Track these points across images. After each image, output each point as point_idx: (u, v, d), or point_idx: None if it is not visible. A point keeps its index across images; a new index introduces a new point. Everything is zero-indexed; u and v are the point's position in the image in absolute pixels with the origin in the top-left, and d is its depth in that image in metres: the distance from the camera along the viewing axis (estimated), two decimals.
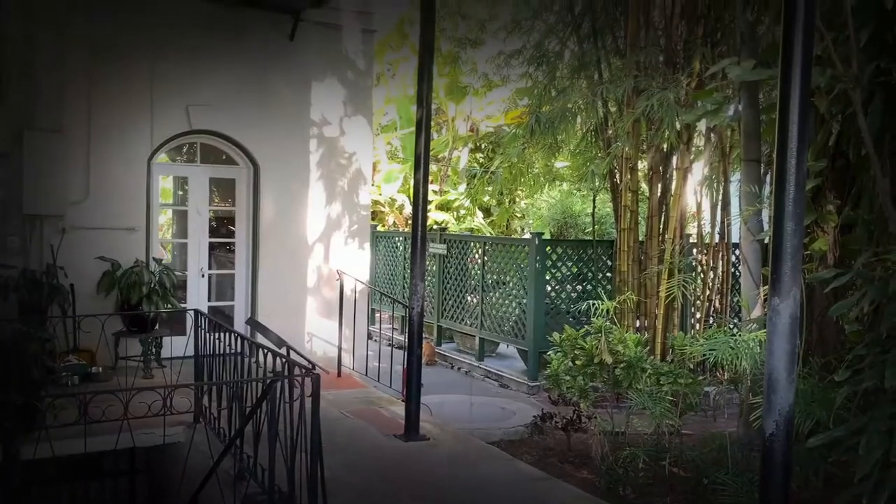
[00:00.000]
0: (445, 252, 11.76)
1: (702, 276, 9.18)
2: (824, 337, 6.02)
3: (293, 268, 8.78)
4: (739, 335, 5.37)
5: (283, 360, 4.20)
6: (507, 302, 10.47)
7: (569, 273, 10.06)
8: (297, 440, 3.95)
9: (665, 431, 6.19)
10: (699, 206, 9.51)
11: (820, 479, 5.13)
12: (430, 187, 16.96)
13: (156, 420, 4.35)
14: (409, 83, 16.40)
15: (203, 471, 4.70)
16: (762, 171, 7.29)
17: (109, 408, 4.19)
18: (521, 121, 10.38)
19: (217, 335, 5.54)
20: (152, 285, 7.43)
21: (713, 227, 9.04)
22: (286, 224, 8.73)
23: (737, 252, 9.57)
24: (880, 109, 4.65)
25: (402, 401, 6.26)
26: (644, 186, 9.74)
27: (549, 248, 10.06)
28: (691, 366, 6.45)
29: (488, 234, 15.72)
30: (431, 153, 16.24)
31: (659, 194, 9.22)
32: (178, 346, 7.36)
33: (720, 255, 9.05)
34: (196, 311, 6.12)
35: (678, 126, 8.06)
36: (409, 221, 6.09)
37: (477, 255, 11.15)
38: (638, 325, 9.08)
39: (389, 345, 9.82)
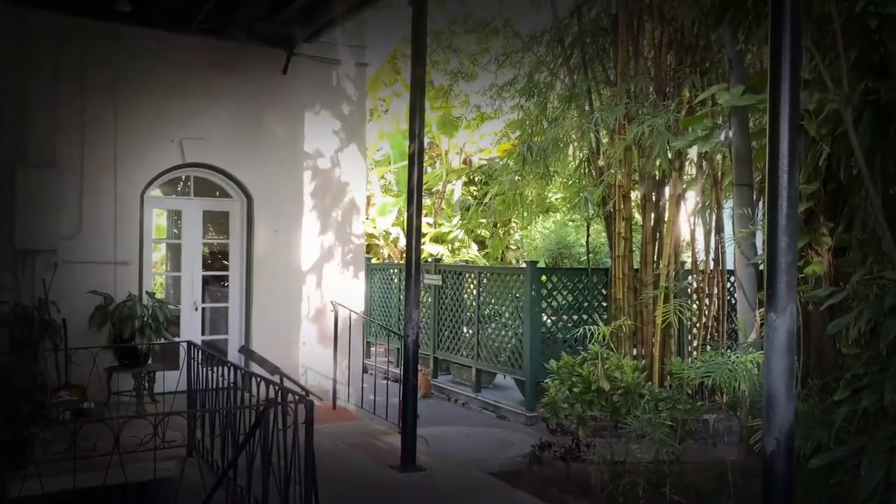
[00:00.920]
0: (440, 283, 11.72)
1: (697, 302, 9.16)
2: (822, 360, 5.97)
3: (287, 300, 8.74)
4: (737, 357, 5.33)
5: (277, 387, 4.14)
6: (503, 332, 10.41)
7: (564, 301, 10.03)
8: (291, 470, 3.88)
9: (665, 459, 6.10)
10: (693, 233, 9.53)
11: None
12: (425, 220, 16.99)
13: (147, 455, 4.28)
14: (402, 118, 16.53)
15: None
16: (754, 196, 7.33)
17: (100, 442, 4.13)
18: (514, 150, 10.43)
19: (210, 367, 5.49)
20: (145, 319, 7.38)
21: (707, 253, 9.05)
22: (280, 256, 8.71)
23: (732, 278, 9.57)
24: (870, 128, 4.67)
25: (399, 432, 6.18)
26: (637, 215, 9.77)
27: (544, 276, 10.04)
28: (689, 391, 6.39)
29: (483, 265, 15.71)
30: (425, 186, 16.38)
31: (652, 222, 9.24)
32: (171, 381, 7.25)
33: (715, 282, 9.04)
34: (189, 343, 6.07)
35: (669, 153, 8.11)
36: (404, 253, 6.07)
37: (472, 286, 11.12)
38: (635, 352, 9.03)
39: (385, 378, 9.75)
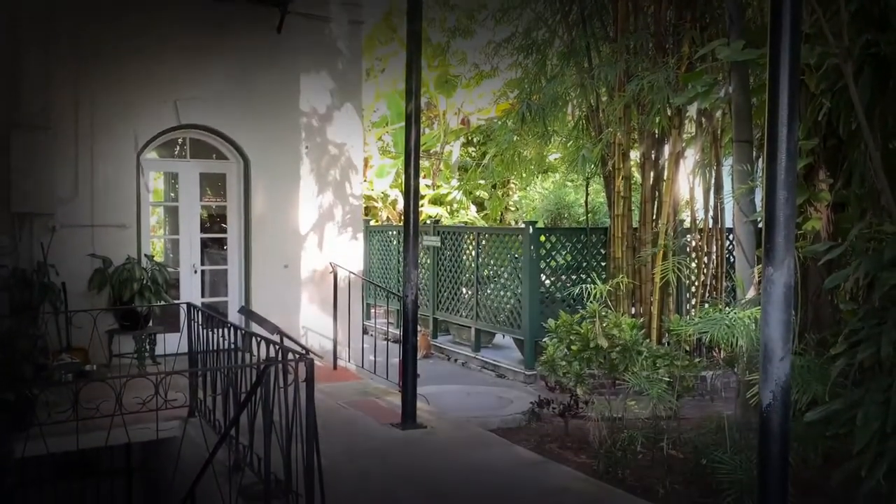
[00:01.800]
0: (439, 244, 11.73)
1: (696, 260, 9.17)
2: (819, 315, 6.01)
3: (286, 261, 8.74)
4: (735, 313, 5.35)
5: (277, 346, 4.16)
6: (501, 292, 10.44)
7: (563, 261, 10.05)
8: (293, 427, 3.91)
9: (662, 415, 6.17)
10: (692, 191, 9.50)
11: (819, 456, 5.13)
12: (423, 182, 16.93)
13: (150, 415, 4.31)
14: (399, 78, 16.35)
15: (199, 463, 4.66)
16: (754, 152, 7.28)
17: (103, 404, 4.15)
18: (513, 110, 10.34)
19: (210, 328, 5.51)
20: (144, 282, 7.39)
21: (706, 211, 9.03)
22: (278, 217, 8.69)
23: (731, 236, 9.56)
24: (870, 82, 4.63)
25: (399, 391, 6.23)
26: (636, 174, 9.73)
27: (542, 236, 10.04)
28: (687, 348, 6.43)
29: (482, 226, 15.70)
30: (423, 148, 16.28)
31: (651, 181, 9.21)
32: (172, 343, 7.30)
33: (714, 239, 9.03)
34: (189, 305, 6.08)
35: (669, 110, 8.04)
36: (403, 215, 6.03)
37: (471, 247, 11.13)
38: (633, 310, 9.08)
39: (385, 339, 9.82)
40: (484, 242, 10.93)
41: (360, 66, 9.48)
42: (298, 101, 8.78)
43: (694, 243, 9.26)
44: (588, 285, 6.90)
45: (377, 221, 16.81)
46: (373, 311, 13.35)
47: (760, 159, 7.25)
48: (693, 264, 9.17)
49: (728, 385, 8.06)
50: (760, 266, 4.96)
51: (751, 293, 6.65)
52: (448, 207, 16.81)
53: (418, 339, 11.21)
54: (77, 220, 7.51)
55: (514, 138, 10.49)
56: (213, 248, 9.54)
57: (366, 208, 17.32)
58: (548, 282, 10.07)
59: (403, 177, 6.12)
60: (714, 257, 9.09)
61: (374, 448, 5.35)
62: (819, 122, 5.74)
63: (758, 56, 5.91)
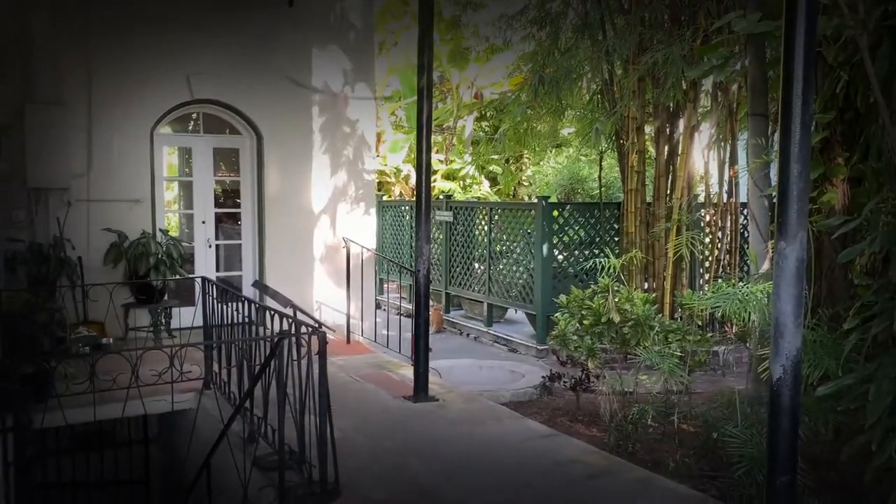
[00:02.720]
0: (452, 219, 11.73)
1: (710, 235, 9.12)
2: (833, 290, 5.96)
3: (299, 236, 8.79)
4: (748, 287, 5.33)
5: (290, 319, 4.20)
6: (514, 267, 10.45)
7: (576, 236, 10.03)
8: (306, 400, 3.96)
9: (674, 389, 6.18)
10: (706, 165, 9.42)
11: (830, 431, 5.12)
12: (436, 157, 16.88)
13: (166, 387, 4.37)
14: (412, 52, 16.18)
15: (215, 434, 4.74)
16: (769, 127, 7.20)
17: (119, 376, 4.21)
18: (526, 83, 10.26)
19: (224, 302, 5.56)
20: (160, 256, 7.44)
21: (721, 186, 8.96)
22: (291, 192, 8.71)
23: (745, 211, 9.50)
24: (888, 54, 4.55)
25: (412, 365, 6.28)
26: (650, 148, 9.66)
27: (555, 211, 10.02)
28: (700, 323, 6.43)
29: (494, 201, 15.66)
30: (436, 122, 16.21)
31: (666, 155, 9.14)
32: (187, 316, 7.38)
33: (728, 214, 8.98)
34: (203, 279, 6.13)
35: (684, 83, 7.95)
36: (415, 191, 6.00)
37: (483, 222, 11.12)
38: (646, 285, 9.06)
39: (398, 313, 9.85)
40: (496, 217, 10.92)
41: (372, 40, 9.43)
42: (311, 76, 8.75)
43: (708, 218, 9.21)
44: (601, 260, 6.90)
45: (390, 197, 16.80)
46: (386, 286, 13.40)
47: (776, 133, 7.17)
48: (707, 239, 9.14)
49: (740, 360, 8.06)
50: (773, 241, 4.93)
51: (764, 268, 6.62)
52: (461, 183, 16.77)
53: (430, 313, 11.27)
54: (92, 195, 7.56)
55: (527, 112, 10.42)
56: (227, 223, 9.60)
57: (378, 183, 17.31)
58: (560, 257, 10.06)
59: (416, 151, 6.10)
60: (728, 232, 9.04)
61: (387, 420, 5.40)
62: (837, 95, 5.66)
63: (774, 28, 5.82)
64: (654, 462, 5.50)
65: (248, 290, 8.31)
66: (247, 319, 5.06)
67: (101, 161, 7.65)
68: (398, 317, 8.68)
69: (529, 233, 10.13)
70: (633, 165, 9.13)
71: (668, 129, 9.10)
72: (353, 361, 7.19)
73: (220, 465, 4.43)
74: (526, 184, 18.37)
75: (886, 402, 3.96)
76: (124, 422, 6.62)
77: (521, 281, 10.22)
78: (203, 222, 8.65)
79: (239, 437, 4.77)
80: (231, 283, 8.73)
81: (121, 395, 4.26)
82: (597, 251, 9.75)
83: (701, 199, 9.42)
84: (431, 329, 11.21)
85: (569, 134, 14.22)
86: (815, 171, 5.53)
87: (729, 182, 8.94)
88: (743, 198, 8.86)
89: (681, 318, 7.01)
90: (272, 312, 4.55)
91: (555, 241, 9.89)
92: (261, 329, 5.34)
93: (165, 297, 7.72)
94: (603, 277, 6.65)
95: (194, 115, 8.72)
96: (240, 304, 5.11)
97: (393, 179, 17.20)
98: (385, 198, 15.61)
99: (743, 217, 9.56)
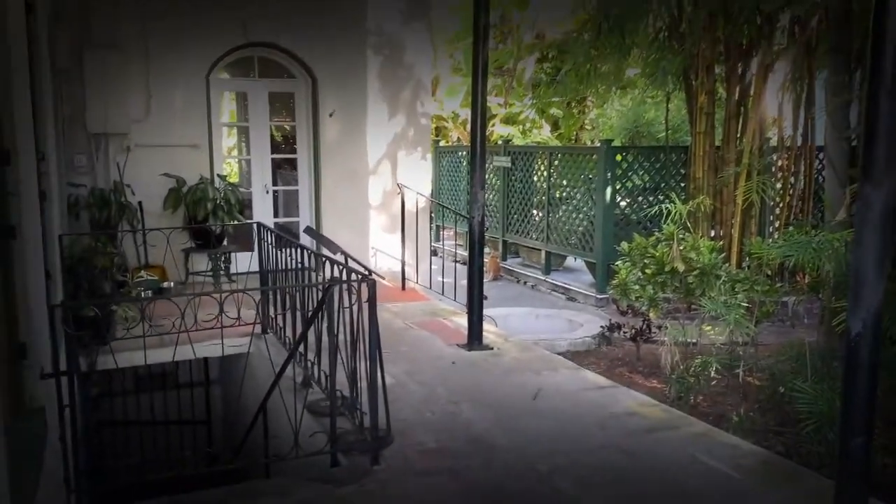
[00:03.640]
0: (510, 165, 11.48)
1: (782, 180, 8.67)
2: None
3: (355, 182, 8.72)
4: (823, 235, 5.02)
5: (341, 266, 4.13)
6: (574, 214, 10.20)
7: (640, 182, 9.69)
8: (358, 347, 3.91)
9: (739, 341, 5.94)
10: (780, 106, 8.89)
11: None
12: (496, 100, 16.51)
13: (226, 331, 4.36)
14: None
15: (271, 378, 4.76)
16: (851, 64, 6.70)
17: (178, 320, 4.22)
18: (590, 21, 9.81)
19: (279, 248, 5.53)
20: (217, 202, 7.48)
21: (795, 128, 8.45)
22: (346, 137, 8.62)
23: (821, 154, 8.99)
24: None
25: (466, 312, 6.19)
26: (721, 89, 9.15)
27: (618, 156, 9.68)
28: (769, 272, 6.12)
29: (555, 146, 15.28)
30: (495, 64, 15.77)
31: (737, 96, 8.66)
32: (245, 261, 7.42)
33: (802, 158, 8.49)
34: (258, 224, 6.12)
35: (758, 18, 7.44)
36: (470, 135, 5.77)
37: (542, 167, 10.84)
38: (713, 233, 8.71)
39: (454, 260, 9.76)
40: (556, 163, 10.63)
41: None
42: (365, 20, 8.55)
43: (780, 162, 8.73)
44: (666, 206, 6.62)
45: (447, 142, 16.59)
46: (443, 232, 13.32)
47: (859, 71, 6.66)
48: (778, 185, 8.69)
49: (811, 311, 7.71)
50: (853, 186, 4.59)
51: (840, 215, 6.24)
52: (520, 127, 16.40)
53: (487, 261, 11.16)
54: (150, 140, 7.61)
55: (591, 52, 9.97)
56: (285, 168, 9.60)
57: (436, 129, 17.09)
58: (623, 203, 9.76)
59: (472, 94, 5.87)
60: (801, 178, 8.57)
61: (440, 368, 5.35)
62: None
63: None
64: (716, 416, 5.32)
65: (304, 236, 8.33)
66: (299, 266, 5.01)
67: (160, 106, 7.67)
68: (454, 264, 8.59)
69: (591, 178, 9.83)
70: (702, 107, 8.68)
71: (739, 69, 8.59)
72: (408, 308, 7.14)
73: (276, 409, 4.45)
74: (588, 128, 17.85)
75: None
76: (186, 364, 6.77)
77: (580, 228, 9.97)
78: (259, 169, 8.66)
79: (294, 382, 4.79)
80: (289, 228, 8.77)
81: (181, 338, 4.28)
82: (661, 197, 9.37)
83: (773, 142, 8.92)
84: (488, 277, 11.14)
85: (634, 75, 13.64)
86: None
87: (804, 124, 8.43)
88: (819, 141, 8.36)
89: (748, 268, 6.69)
90: (323, 259, 4.49)
91: (617, 187, 9.58)
92: (315, 275, 5.31)
93: (224, 243, 7.79)
94: (667, 224, 6.38)
95: (250, 59, 8.64)
96: (292, 250, 5.06)
97: (450, 125, 16.95)
98: (442, 143, 15.40)
99: (818, 161, 9.05)
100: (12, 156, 3.10)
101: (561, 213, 10.42)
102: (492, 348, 5.81)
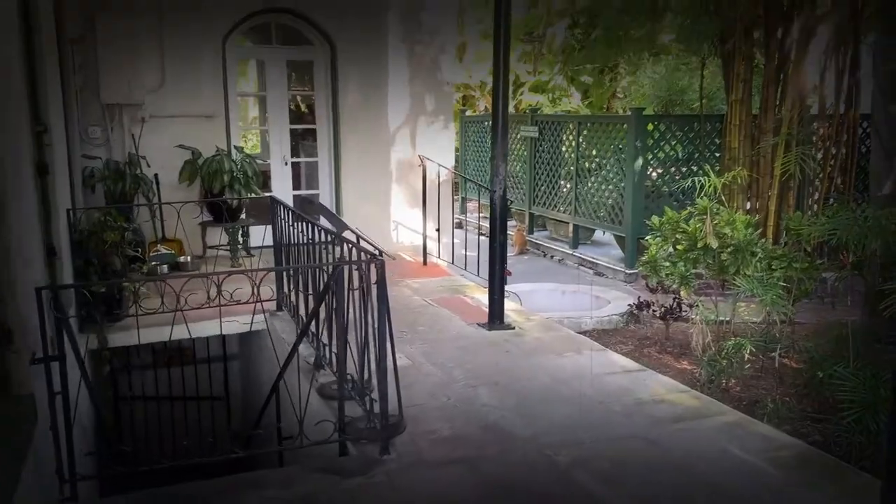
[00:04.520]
0: (537, 135, 11.13)
1: (823, 151, 8.23)
2: None
3: (376, 153, 8.48)
4: (869, 211, 4.67)
5: (350, 245, 3.91)
6: (603, 186, 9.86)
7: (672, 152, 9.30)
8: (369, 329, 3.70)
9: (776, 320, 5.61)
10: (823, 73, 8.41)
11: None
12: (524, 67, 16.07)
13: (239, 308, 4.19)
14: None
15: (283, 357, 4.61)
16: None
17: (192, 296, 4.06)
18: None
19: (293, 223, 5.33)
20: (234, 174, 7.29)
21: (838, 96, 7.99)
22: (366, 106, 8.36)
23: (865, 124, 8.52)
24: None
25: (487, 290, 5.95)
26: (759, 54, 8.69)
27: (650, 125, 9.30)
28: (808, 249, 5.76)
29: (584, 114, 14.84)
30: (525, 30, 15.28)
31: (776, 62, 8.20)
32: (264, 234, 7.24)
33: (846, 128, 8.04)
34: (272, 198, 5.91)
35: None
36: (492, 102, 5.46)
37: (571, 137, 10.48)
38: (749, 206, 8.32)
39: (479, 234, 9.50)
40: (585, 132, 10.26)
41: None
42: None
43: (821, 132, 8.28)
44: (699, 178, 6.28)
45: (474, 111, 16.22)
46: (468, 205, 13.05)
47: None
48: (819, 156, 8.25)
49: (852, 289, 7.32)
50: None
51: (887, 188, 5.87)
52: (549, 95, 15.96)
53: (514, 234, 10.88)
54: (165, 111, 7.43)
55: (623, 16, 9.55)
56: (306, 139, 9.37)
57: (462, 98, 16.72)
58: (654, 174, 9.40)
59: (493, 59, 5.56)
60: (843, 148, 8.13)
61: (458, 349, 5.13)
62: None
63: None
64: (749, 401, 5.05)
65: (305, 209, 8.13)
66: (310, 241, 4.80)
67: (174, 75, 7.46)
68: (478, 236, 8.33)
69: (621, 148, 9.46)
70: (739, 73, 8.25)
71: (779, 33, 8.12)
72: (429, 284, 6.93)
73: (290, 389, 4.28)
74: (620, 96, 17.32)
75: None
76: (203, 340, 6.63)
77: (610, 200, 9.63)
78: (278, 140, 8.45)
79: (307, 363, 4.62)
80: (310, 202, 8.57)
81: (196, 314, 4.13)
82: (695, 168, 8.98)
83: (814, 110, 8.46)
84: (514, 251, 10.86)
85: (668, 41, 13.11)
86: None
87: (848, 91, 7.96)
88: (864, 109, 7.90)
89: (786, 244, 6.33)
90: (331, 236, 4.29)
91: (649, 158, 9.20)
92: (330, 252, 5.10)
93: (242, 216, 7.62)
94: (701, 198, 6.04)
95: (267, 27, 8.39)
96: (303, 226, 4.85)
97: (478, 94, 16.56)
98: (468, 112, 15.04)
99: (862, 130, 8.59)
100: None
101: (590, 185, 10.08)
102: (513, 328, 5.58)
